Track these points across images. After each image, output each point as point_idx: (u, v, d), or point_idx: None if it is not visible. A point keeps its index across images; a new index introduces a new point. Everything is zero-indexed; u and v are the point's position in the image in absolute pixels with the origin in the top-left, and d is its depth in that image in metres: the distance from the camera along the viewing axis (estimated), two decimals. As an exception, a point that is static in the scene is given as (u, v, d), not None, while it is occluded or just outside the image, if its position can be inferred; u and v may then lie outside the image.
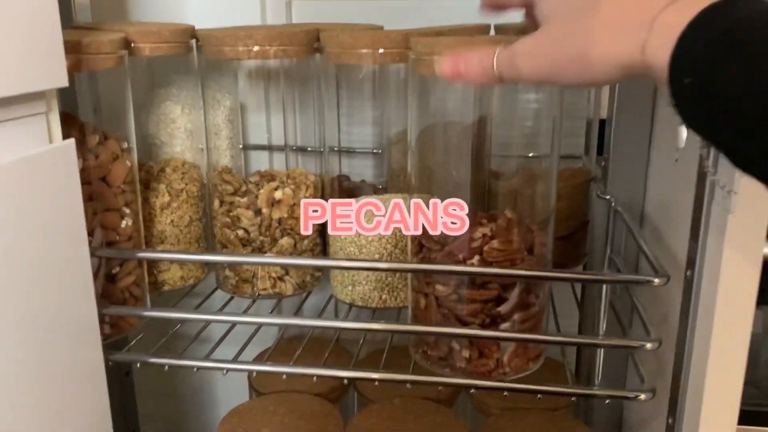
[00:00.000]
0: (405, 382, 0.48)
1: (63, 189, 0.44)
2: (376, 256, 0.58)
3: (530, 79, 0.35)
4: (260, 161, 0.75)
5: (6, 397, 0.40)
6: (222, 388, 0.89)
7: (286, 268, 0.62)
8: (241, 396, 0.71)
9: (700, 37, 0.27)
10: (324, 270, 0.64)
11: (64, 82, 0.43)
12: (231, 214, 0.61)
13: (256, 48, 0.56)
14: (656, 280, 0.43)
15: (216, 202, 0.62)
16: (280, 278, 0.62)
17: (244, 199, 0.60)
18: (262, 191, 0.60)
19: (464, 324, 0.48)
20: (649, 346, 0.44)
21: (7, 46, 0.39)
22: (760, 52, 0.25)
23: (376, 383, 0.49)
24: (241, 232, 0.60)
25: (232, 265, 0.61)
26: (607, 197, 0.61)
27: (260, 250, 0.61)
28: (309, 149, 0.70)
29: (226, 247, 0.62)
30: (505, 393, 0.46)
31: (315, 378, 0.51)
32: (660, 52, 0.28)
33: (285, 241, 0.61)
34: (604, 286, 0.46)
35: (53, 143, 0.44)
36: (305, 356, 0.55)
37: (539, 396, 0.47)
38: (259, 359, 0.67)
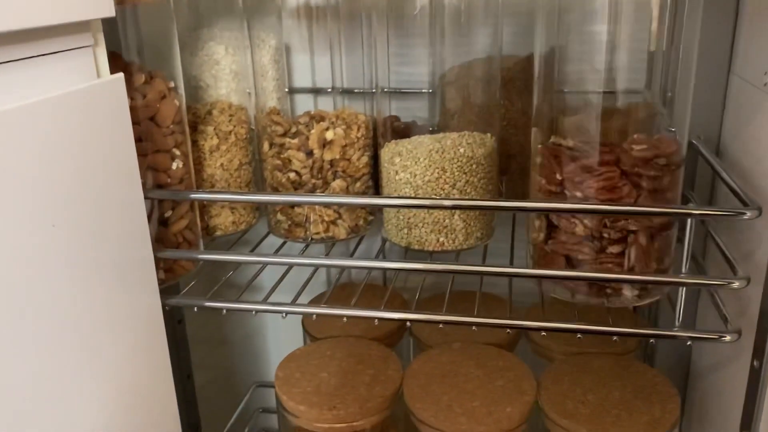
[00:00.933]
0: (471, 324, 0.46)
1: (114, 126, 0.43)
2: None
3: None
4: (306, 105, 0.72)
5: (68, 342, 0.39)
6: (273, 336, 0.89)
7: (338, 211, 0.60)
8: (293, 343, 0.70)
9: None
10: (377, 213, 0.62)
11: (110, 12, 0.41)
12: (281, 156, 0.59)
13: (304, -23, 0.52)
14: (748, 213, 0.40)
15: (266, 145, 0.60)
16: (333, 222, 0.60)
17: (295, 140, 0.58)
18: (313, 131, 0.58)
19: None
20: (737, 284, 0.41)
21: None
22: None
23: (441, 326, 0.48)
24: (292, 175, 0.58)
25: (284, 209, 0.59)
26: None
27: (312, 193, 0.58)
28: (356, 91, 0.67)
29: (277, 190, 0.60)
30: (579, 336, 0.44)
31: (376, 321, 0.49)
32: None
33: (337, 184, 0.59)
34: (689, 221, 0.42)
35: (101, 77, 0.43)
36: (361, 302, 0.54)
37: (615, 338, 0.44)
38: (315, 303, 0.66)
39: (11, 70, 0.36)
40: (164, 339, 0.48)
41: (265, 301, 0.52)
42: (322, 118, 0.60)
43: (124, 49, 0.54)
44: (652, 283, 0.43)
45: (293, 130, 0.59)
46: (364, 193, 0.61)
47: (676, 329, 0.44)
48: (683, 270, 0.43)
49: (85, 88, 0.40)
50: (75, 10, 0.39)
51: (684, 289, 0.44)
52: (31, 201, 0.36)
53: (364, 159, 0.60)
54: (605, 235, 0.45)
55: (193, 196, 0.50)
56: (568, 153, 0.46)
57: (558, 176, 0.47)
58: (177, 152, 0.53)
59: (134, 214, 0.45)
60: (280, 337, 0.88)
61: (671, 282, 0.43)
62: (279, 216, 0.61)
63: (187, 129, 0.55)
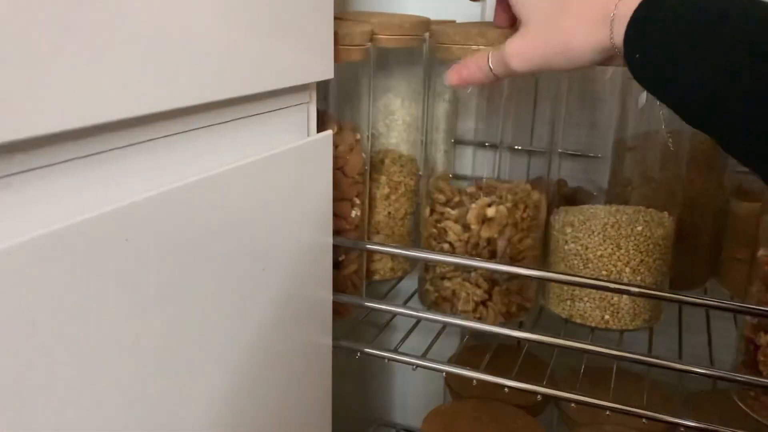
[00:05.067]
0: (605, 408, 0.45)
1: (318, 179, 0.45)
2: (604, 273, 0.54)
3: (523, 73, 0.43)
4: (465, 156, 0.73)
5: (253, 372, 0.42)
6: (410, 384, 0.88)
7: (489, 292, 0.57)
8: (420, 386, 0.70)
9: (638, 22, 0.35)
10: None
11: (330, 74, 0.44)
12: (439, 225, 0.58)
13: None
14: None
15: (427, 210, 0.60)
16: (483, 303, 0.58)
17: (454, 212, 0.57)
18: (473, 206, 0.56)
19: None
20: None
21: (288, 38, 0.40)
22: (674, 31, 0.34)
23: (572, 405, 0.46)
24: (446, 246, 0.57)
25: (434, 281, 0.59)
26: None
27: (462, 268, 0.57)
28: (517, 148, 0.67)
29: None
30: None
31: (506, 389, 0.49)
32: (619, 37, 0.36)
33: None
34: None
35: (310, 134, 0.46)
36: (492, 364, 0.53)
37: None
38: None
39: (238, 127, 0.39)
40: (329, 380, 0.50)
41: (424, 357, 0.53)
42: (491, 191, 0.59)
43: (320, 99, 0.58)
44: None
45: (456, 199, 0.58)
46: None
47: None
48: None
49: (299, 146, 0.43)
50: (304, 73, 0.42)
51: None
52: (250, 247, 0.39)
53: (528, 241, 0.58)
54: None
55: (370, 247, 0.52)
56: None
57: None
58: (357, 201, 0.55)
59: (323, 259, 0.47)
60: (416, 388, 0.87)
61: None
62: (428, 286, 0.60)
63: (368, 179, 0.58)
